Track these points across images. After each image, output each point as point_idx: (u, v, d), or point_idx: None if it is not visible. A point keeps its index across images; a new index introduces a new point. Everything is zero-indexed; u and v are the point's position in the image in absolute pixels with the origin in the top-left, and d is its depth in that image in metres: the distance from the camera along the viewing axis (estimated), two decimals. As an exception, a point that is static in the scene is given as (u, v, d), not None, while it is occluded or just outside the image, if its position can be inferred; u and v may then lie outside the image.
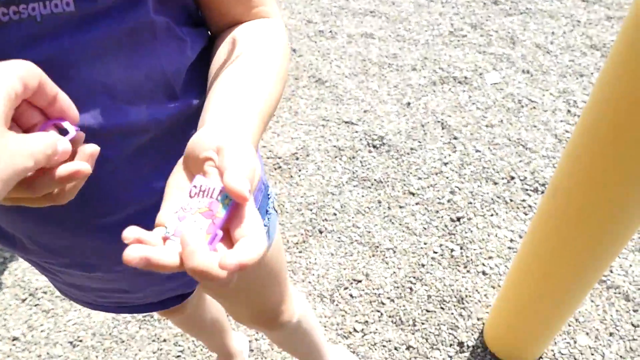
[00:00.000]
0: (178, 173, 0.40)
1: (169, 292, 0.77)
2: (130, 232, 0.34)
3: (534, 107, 2.09)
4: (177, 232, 0.37)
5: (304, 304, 1.08)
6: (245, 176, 0.35)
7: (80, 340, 1.52)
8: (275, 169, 1.89)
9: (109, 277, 0.67)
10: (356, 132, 2.01)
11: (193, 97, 0.55)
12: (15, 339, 1.50)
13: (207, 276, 0.32)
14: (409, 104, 2.11)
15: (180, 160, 0.41)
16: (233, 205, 0.37)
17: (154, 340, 1.49)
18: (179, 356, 1.45)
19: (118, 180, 0.53)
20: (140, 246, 0.33)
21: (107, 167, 0.51)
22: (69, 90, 0.43)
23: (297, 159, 1.92)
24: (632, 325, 1.40)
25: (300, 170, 1.88)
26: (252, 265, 0.33)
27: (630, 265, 1.53)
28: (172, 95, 0.53)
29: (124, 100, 0.49)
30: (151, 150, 0.54)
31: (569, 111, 2.06)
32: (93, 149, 0.41)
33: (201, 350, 1.47)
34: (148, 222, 0.44)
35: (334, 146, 1.95)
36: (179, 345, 1.47)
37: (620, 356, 1.34)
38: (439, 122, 2.02)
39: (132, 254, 0.33)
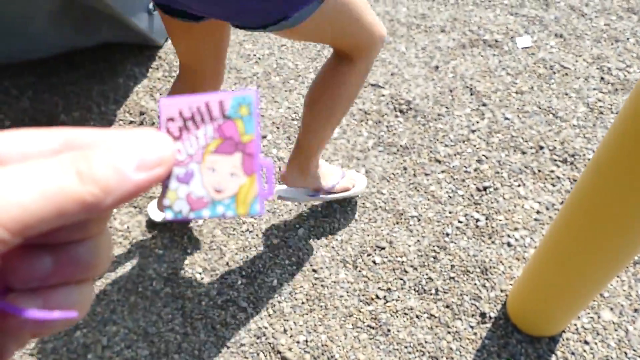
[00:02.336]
0: None
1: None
2: None
3: (566, 74, 2.03)
4: (197, 200, 0.24)
5: None
6: None
7: (107, 294, 1.55)
8: (300, 131, 1.87)
9: None
10: (383, 95, 1.97)
11: None
12: (43, 292, 1.54)
13: None
14: (437, 67, 2.06)
15: None
16: (257, 112, 0.23)
17: (178, 298, 1.52)
18: (201, 314, 1.48)
19: None
20: None
21: None
22: None
23: (322, 121, 1.89)
24: (657, 302, 1.39)
25: (325, 134, 1.86)
26: None
27: (659, 242, 1.51)
28: None
29: None
30: None
31: (602, 79, 1.99)
32: None
33: (225, 307, 1.49)
34: None
35: (360, 109, 1.92)
36: (202, 304, 1.50)
37: (644, 333, 1.34)
38: (467, 87, 1.98)
39: None
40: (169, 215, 0.24)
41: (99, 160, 0.21)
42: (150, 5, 1.97)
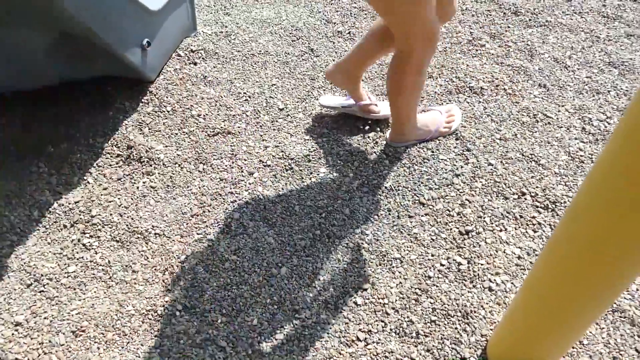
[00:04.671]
0: None
1: None
2: None
3: (549, 123, 2.08)
4: None
5: None
6: None
7: (83, 330, 1.52)
8: (287, 170, 1.88)
9: None
10: (369, 137, 2.00)
11: None
12: (18, 324, 1.51)
13: None
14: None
15: None
16: None
17: (156, 336, 1.50)
18: (179, 353, 1.45)
19: None
20: None
21: None
22: None
23: (309, 161, 1.91)
24: (636, 350, 1.39)
25: (311, 173, 1.87)
26: None
27: (638, 290, 1.52)
28: None
29: None
30: None
31: (583, 129, 2.04)
32: None
33: (203, 346, 1.47)
34: None
35: (347, 151, 1.95)
36: (181, 342, 1.47)
37: (623, 383, 1.34)
38: (452, 132, 2.01)
39: None
40: None
41: None
42: (144, 42, 2.00)
